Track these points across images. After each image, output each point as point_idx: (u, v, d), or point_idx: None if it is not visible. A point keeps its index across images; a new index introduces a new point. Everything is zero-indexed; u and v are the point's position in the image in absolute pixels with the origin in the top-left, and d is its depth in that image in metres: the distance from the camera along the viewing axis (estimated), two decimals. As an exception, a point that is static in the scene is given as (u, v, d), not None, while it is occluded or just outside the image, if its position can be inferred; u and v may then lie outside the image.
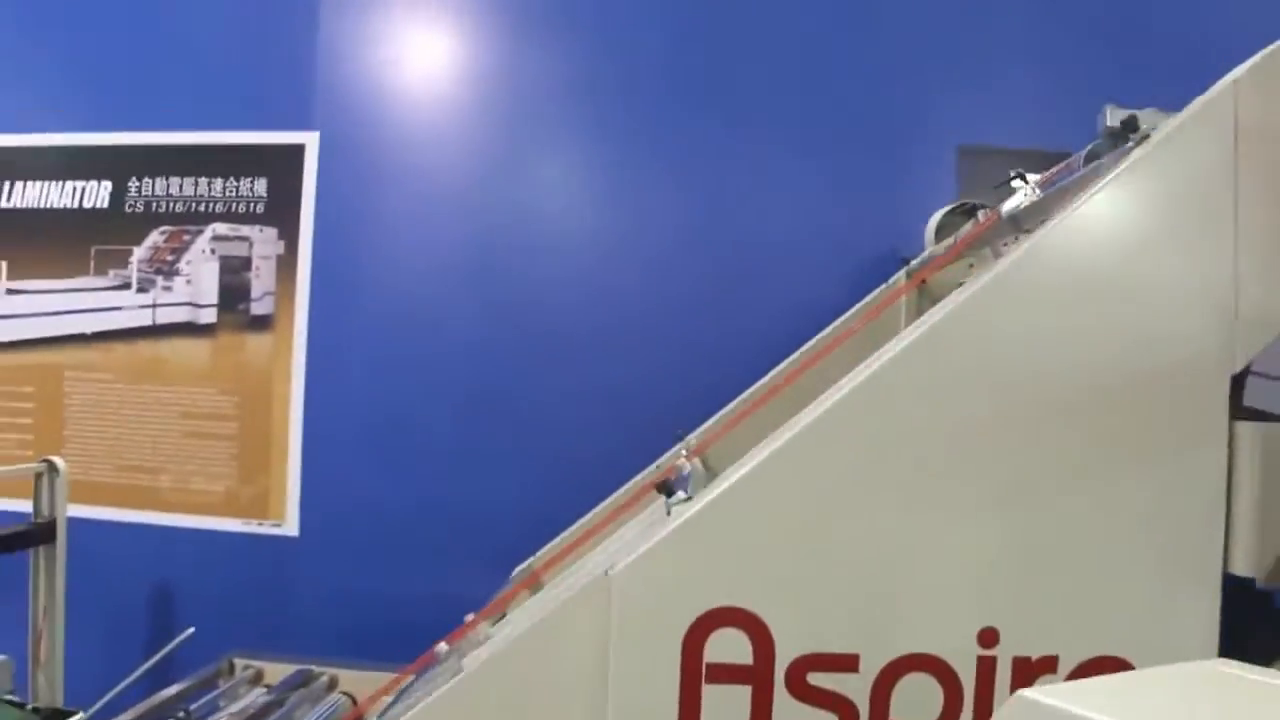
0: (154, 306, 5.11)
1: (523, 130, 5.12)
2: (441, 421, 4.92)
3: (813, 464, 1.93)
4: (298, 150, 5.05)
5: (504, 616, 3.19)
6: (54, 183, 5.18)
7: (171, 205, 5.13)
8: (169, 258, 5.12)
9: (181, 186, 5.13)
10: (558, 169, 5.12)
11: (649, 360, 4.87)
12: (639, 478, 3.80)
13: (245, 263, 5.08)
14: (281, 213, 5.06)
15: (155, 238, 5.14)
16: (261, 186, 5.07)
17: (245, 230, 5.08)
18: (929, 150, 4.86)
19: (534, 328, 4.94)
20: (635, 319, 4.91)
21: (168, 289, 5.11)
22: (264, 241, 5.07)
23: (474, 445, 4.88)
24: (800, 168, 4.94)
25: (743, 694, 1.90)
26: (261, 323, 5.05)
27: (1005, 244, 2.81)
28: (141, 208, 5.15)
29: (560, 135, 5.12)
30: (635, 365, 4.91)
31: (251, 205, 5.07)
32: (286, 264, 5.04)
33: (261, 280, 5.06)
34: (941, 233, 3.88)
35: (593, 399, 4.88)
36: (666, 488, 2.36)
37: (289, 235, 5.04)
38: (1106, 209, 1.91)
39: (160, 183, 5.14)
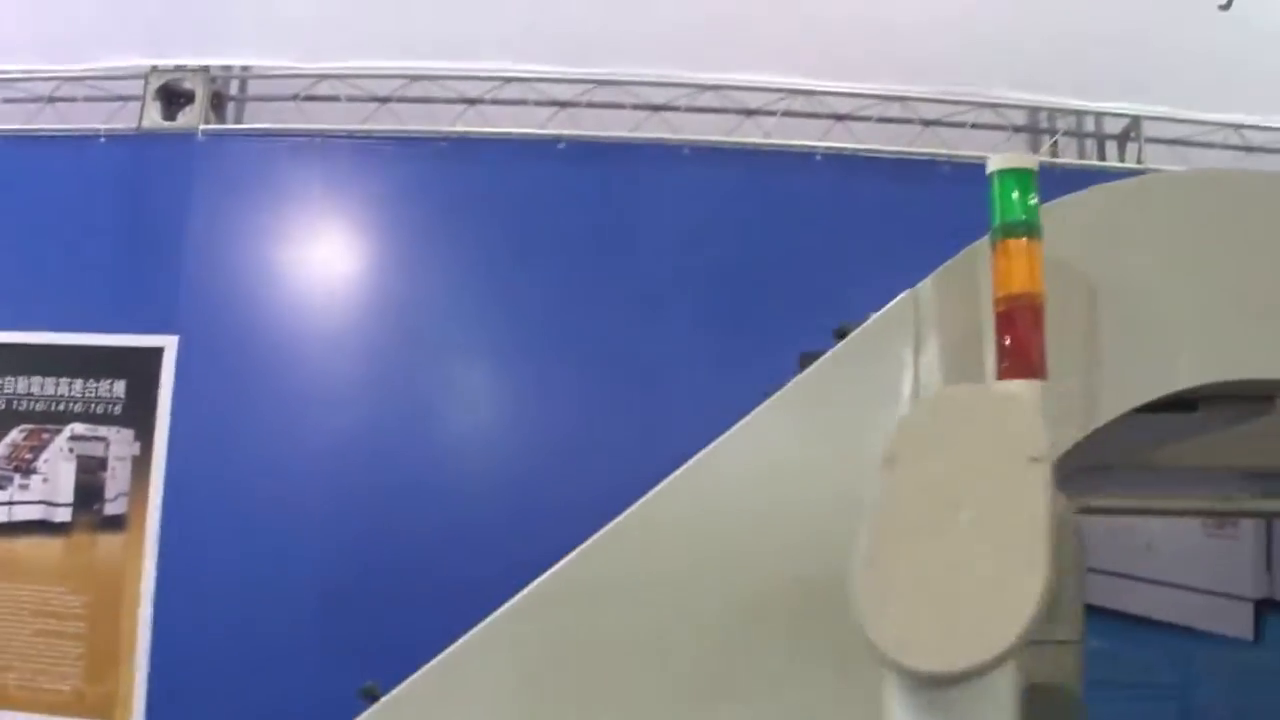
0: (10, 504, 5.20)
1: (389, 336, 5.27)
2: (296, 626, 5.02)
3: (482, 678, 2.02)
4: (156, 353, 5.17)
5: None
6: (-85, 380, 5.29)
7: (32, 404, 5.25)
8: (27, 456, 5.23)
9: (43, 385, 5.24)
10: (420, 375, 5.26)
11: (510, 558, 4.99)
12: None
13: (101, 463, 5.19)
14: (139, 414, 5.17)
15: (15, 435, 5.24)
16: (120, 388, 5.19)
17: (103, 431, 5.19)
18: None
19: (390, 531, 5.06)
20: (497, 519, 5.04)
21: (24, 487, 5.21)
22: (120, 442, 5.18)
23: (329, 649, 4.98)
24: (693, 360, 5.10)
25: None
26: (115, 523, 5.15)
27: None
28: (2, 405, 5.26)
29: (428, 341, 5.27)
30: (493, 564, 5.03)
31: (110, 406, 5.19)
32: (142, 465, 5.15)
33: (116, 481, 5.17)
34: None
35: (456, 600, 5.00)
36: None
37: (145, 437, 5.16)
38: (786, 417, 2.05)
39: (22, 381, 5.26)
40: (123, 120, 5.47)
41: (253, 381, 5.18)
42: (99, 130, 5.40)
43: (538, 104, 5.38)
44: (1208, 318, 2.10)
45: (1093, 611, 5.10)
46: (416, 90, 5.42)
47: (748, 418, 2.07)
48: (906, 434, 1.15)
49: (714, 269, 5.19)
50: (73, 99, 5.55)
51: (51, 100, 5.59)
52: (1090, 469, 3.24)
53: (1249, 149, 5.77)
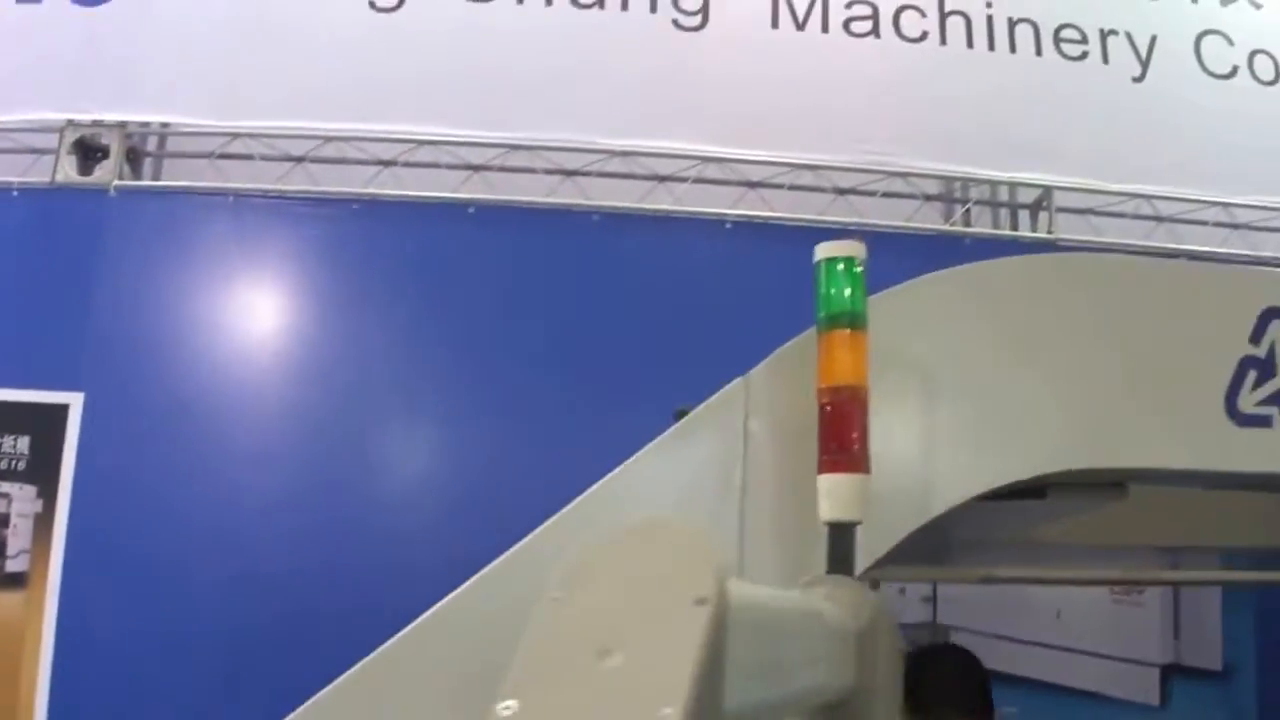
0: (-90, 560, 5.19)
1: (298, 394, 5.30)
2: (198, 685, 5.01)
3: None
4: (61, 410, 5.18)
5: None
6: None
7: (-66, 460, 5.24)
8: (-71, 511, 5.22)
9: (-54, 441, 5.24)
10: (328, 432, 5.28)
11: (418, 607, 5.00)
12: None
13: (3, 519, 5.18)
14: (42, 471, 5.17)
15: (-84, 490, 5.23)
16: (24, 444, 5.19)
17: (6, 487, 5.19)
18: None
19: (293, 586, 5.05)
20: (403, 571, 5.04)
21: (-75, 542, 5.20)
22: (23, 499, 5.18)
23: (231, 708, 4.97)
24: (599, 418, 5.11)
25: None
26: (15, 580, 5.14)
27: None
28: (-96, 459, 5.25)
29: (337, 399, 5.29)
30: (400, 615, 5.03)
31: (13, 462, 5.19)
32: (44, 522, 5.15)
33: (18, 538, 5.16)
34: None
35: (362, 652, 5.00)
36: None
37: (48, 494, 5.15)
38: (623, 490, 2.06)
39: (-75, 436, 5.25)
40: (37, 174, 5.49)
41: (158, 439, 5.18)
42: (11, 184, 5.42)
43: (450, 167, 5.43)
44: (1051, 407, 2.13)
45: (1005, 679, 5.17)
46: (331, 151, 5.47)
47: (592, 489, 2.10)
48: (578, 564, 1.15)
49: (623, 332, 5.24)
50: (-14, 152, 5.57)
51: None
52: (986, 543, 3.29)
53: (1159, 219, 5.88)
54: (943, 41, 5.71)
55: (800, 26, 5.60)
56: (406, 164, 5.44)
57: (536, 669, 1.05)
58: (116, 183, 5.41)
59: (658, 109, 5.45)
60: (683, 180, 5.44)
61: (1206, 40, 6.02)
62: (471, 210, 5.30)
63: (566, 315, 5.21)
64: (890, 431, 2.02)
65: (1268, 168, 5.91)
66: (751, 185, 5.52)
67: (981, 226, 5.88)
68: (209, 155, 5.53)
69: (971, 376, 2.14)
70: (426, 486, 5.23)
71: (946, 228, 5.67)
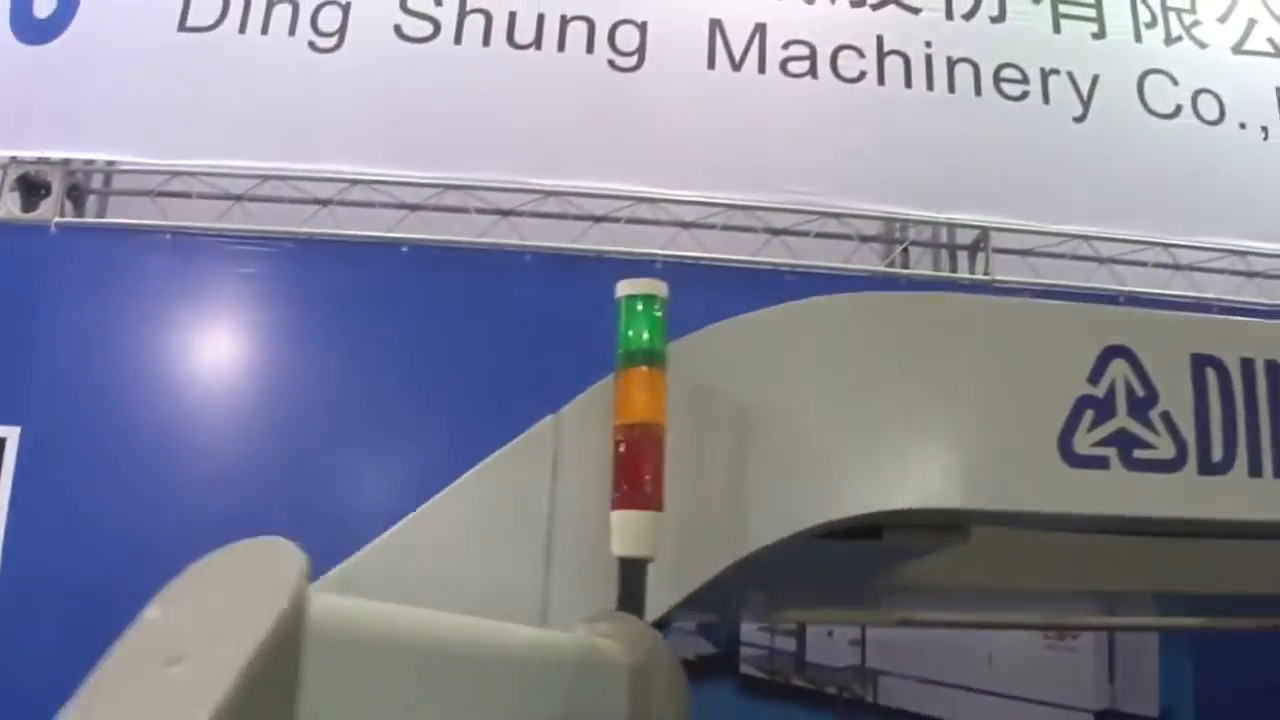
0: None
1: (236, 429, 5.38)
2: None
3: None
4: (-2, 444, 5.27)
5: None
6: None
7: (-128, 494, 5.33)
8: None
9: (-117, 476, 5.32)
10: (266, 467, 5.36)
11: None
12: None
13: (-61, 551, 5.27)
14: (-22, 506, 5.25)
15: None
16: (-40, 479, 5.28)
17: (-59, 519, 5.27)
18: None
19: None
20: None
21: None
22: (-42, 532, 5.26)
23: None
24: None
25: None
26: (-50, 614, 5.21)
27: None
28: None
29: (274, 435, 5.36)
30: None
31: (-51, 495, 5.27)
32: (-21, 556, 5.23)
33: (-47, 570, 5.24)
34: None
35: None
36: None
37: (-16, 528, 5.24)
38: (430, 525, 2.06)
39: None
40: (-20, 211, 5.59)
41: (96, 473, 5.26)
42: (-46, 221, 5.52)
43: (386, 206, 5.51)
44: (873, 447, 2.10)
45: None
46: (269, 190, 5.55)
47: (397, 525, 2.10)
48: (175, 582, 1.16)
49: (559, 369, 5.28)
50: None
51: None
52: (913, 587, 3.30)
53: (1100, 260, 5.91)
54: (880, 81, 5.76)
55: (736, 67, 5.67)
56: (343, 203, 5.51)
57: (107, 679, 1.07)
58: (58, 219, 5.50)
59: (593, 149, 5.51)
60: (616, 220, 5.49)
61: (1150, 80, 6.07)
62: (405, 249, 5.37)
63: (501, 353, 5.28)
64: (704, 469, 2.04)
65: (1210, 208, 5.94)
66: (685, 225, 5.58)
67: (921, 268, 5.92)
68: (150, 193, 5.61)
69: (792, 415, 2.13)
70: (365, 514, 5.29)
71: (883, 269, 5.72)
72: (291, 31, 5.67)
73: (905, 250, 5.84)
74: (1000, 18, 6.04)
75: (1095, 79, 5.98)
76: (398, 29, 5.65)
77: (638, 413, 1.87)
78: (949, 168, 5.72)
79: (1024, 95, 5.91)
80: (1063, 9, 6.15)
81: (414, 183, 5.48)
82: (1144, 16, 6.25)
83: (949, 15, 5.95)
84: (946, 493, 2.09)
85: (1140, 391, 2.16)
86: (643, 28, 5.65)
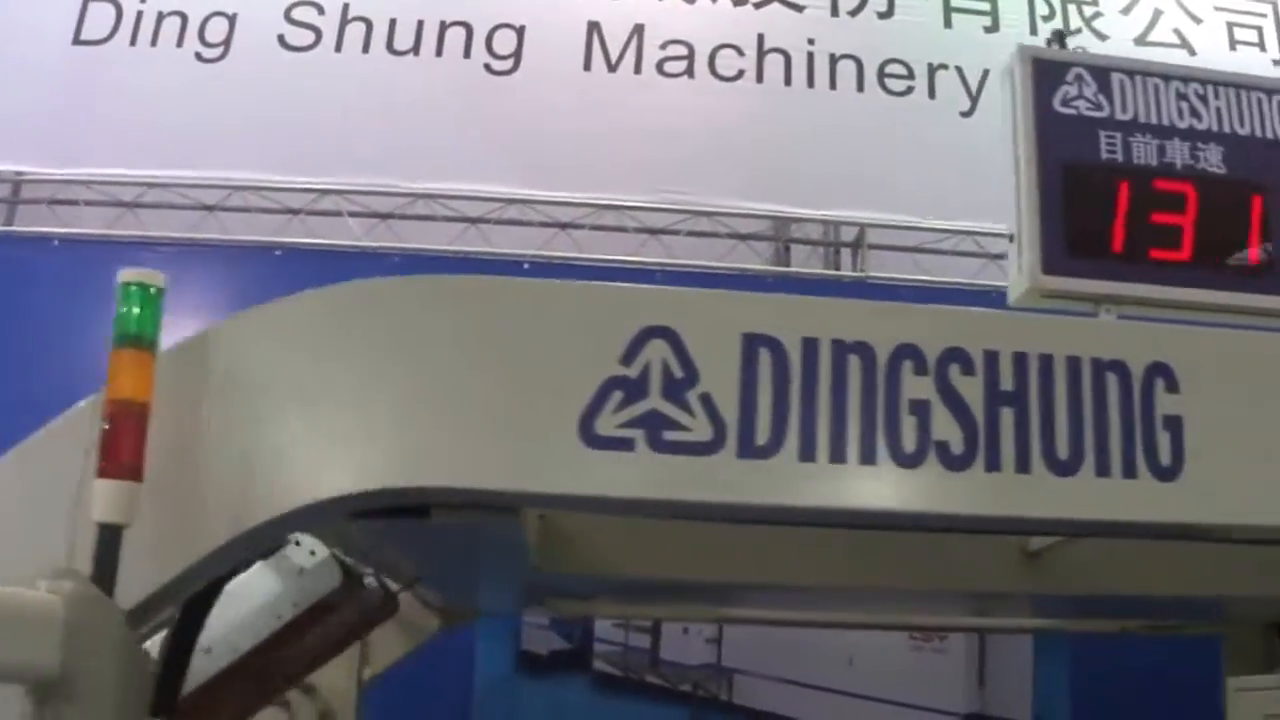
0: None
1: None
2: None
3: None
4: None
5: None
6: None
7: None
8: None
9: None
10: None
11: None
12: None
13: None
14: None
15: None
16: None
17: None
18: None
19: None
20: None
21: None
22: None
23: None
24: None
25: None
26: None
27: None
28: None
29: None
30: None
31: None
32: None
33: None
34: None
35: None
36: None
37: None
38: None
39: None
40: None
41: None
42: None
43: (265, 211, 5.71)
44: (384, 426, 2.09)
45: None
46: (155, 196, 5.78)
47: None
48: None
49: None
50: None
51: None
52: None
53: (989, 256, 5.97)
54: (759, 79, 5.87)
55: (613, 68, 5.81)
56: (225, 208, 5.72)
57: None
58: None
59: (469, 152, 5.68)
60: (487, 222, 5.66)
61: (1043, 73, 6.12)
62: (278, 253, 5.58)
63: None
64: (217, 445, 2.08)
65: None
66: (561, 226, 5.72)
67: (811, 265, 6.03)
68: (45, 201, 5.87)
69: (308, 395, 2.13)
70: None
71: (761, 267, 5.83)
72: (179, 43, 5.91)
73: (787, 248, 5.94)
74: (888, 13, 6.12)
75: (985, 74, 6.02)
76: (281, 38, 5.87)
77: (125, 390, 1.98)
78: (829, 165, 5.81)
79: (908, 91, 5.99)
80: (954, 3, 6.21)
81: (292, 188, 5.67)
82: (1041, 9, 6.31)
83: (834, 12, 6.04)
84: (455, 471, 2.08)
85: (679, 373, 2.12)
86: (520, 31, 5.80)
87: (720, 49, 5.87)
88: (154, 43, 5.94)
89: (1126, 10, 6.44)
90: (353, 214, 5.69)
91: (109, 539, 1.92)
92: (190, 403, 2.11)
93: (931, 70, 6.04)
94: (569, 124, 5.72)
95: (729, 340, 2.16)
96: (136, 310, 2.01)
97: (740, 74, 5.85)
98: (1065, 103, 2.77)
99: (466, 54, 5.78)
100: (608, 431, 2.08)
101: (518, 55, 5.78)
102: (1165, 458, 2.25)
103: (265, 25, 5.89)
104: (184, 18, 5.95)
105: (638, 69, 5.81)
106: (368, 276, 5.37)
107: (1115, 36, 6.32)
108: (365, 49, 5.80)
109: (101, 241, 5.75)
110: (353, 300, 2.26)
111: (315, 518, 2.24)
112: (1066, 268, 2.66)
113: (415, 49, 5.79)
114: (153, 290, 2.03)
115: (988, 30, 6.22)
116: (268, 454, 2.10)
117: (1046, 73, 2.79)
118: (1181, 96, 2.82)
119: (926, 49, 6.08)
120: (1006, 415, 2.22)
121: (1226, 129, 2.81)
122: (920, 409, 2.20)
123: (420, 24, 5.83)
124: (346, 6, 5.92)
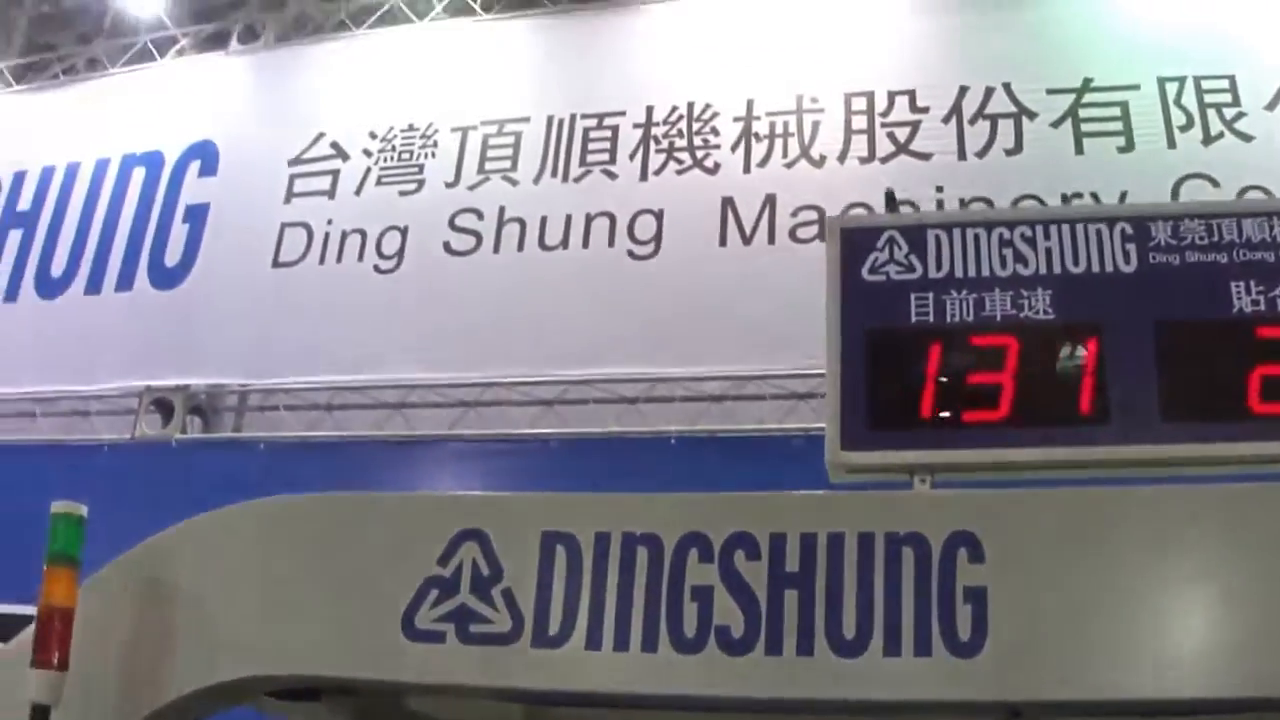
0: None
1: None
2: None
3: None
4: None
5: None
6: None
7: None
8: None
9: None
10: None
11: None
12: None
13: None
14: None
15: None
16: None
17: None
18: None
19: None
20: None
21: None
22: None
23: None
24: None
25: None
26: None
27: None
28: None
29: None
30: None
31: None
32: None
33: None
34: None
35: None
36: None
37: None
38: None
39: None
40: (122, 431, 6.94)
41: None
42: (104, 440, 6.86)
43: (439, 405, 6.48)
44: (250, 620, 2.50)
45: None
46: (348, 398, 6.63)
47: None
48: None
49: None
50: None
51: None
52: None
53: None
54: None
55: (747, 240, 6.32)
56: (405, 405, 6.50)
57: None
58: (178, 436, 6.74)
59: (617, 335, 6.28)
60: (643, 400, 6.23)
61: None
62: (454, 445, 6.32)
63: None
64: (131, 640, 2.54)
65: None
66: (714, 399, 6.23)
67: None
68: (257, 409, 6.81)
69: (192, 599, 2.57)
70: None
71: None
72: (360, 258, 6.77)
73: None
74: (1016, 149, 6.40)
75: (1123, 195, 6.12)
76: (446, 245, 6.64)
77: (55, 598, 2.48)
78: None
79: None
80: (1085, 128, 6.41)
81: (465, 383, 6.39)
82: (1177, 119, 6.38)
83: (961, 155, 6.38)
84: (306, 660, 2.48)
85: (486, 570, 2.43)
86: (659, 215, 6.37)
87: (851, 209, 6.16)
88: (339, 260, 6.81)
89: (1272, 105, 6.44)
90: (516, 403, 6.34)
91: (39, 717, 2.42)
92: (115, 606, 2.61)
93: (1065, 200, 6.22)
94: (708, 300, 6.20)
95: (530, 538, 2.45)
96: (64, 534, 2.53)
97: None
98: (874, 269, 2.75)
99: (610, 243, 6.36)
100: (424, 625, 2.41)
101: (658, 239, 6.33)
102: (964, 633, 2.20)
103: (433, 235, 6.68)
104: (364, 234, 6.80)
105: (771, 239, 6.23)
106: (532, 461, 6.02)
107: (1261, 135, 6.34)
108: (520, 247, 6.47)
109: (301, 444, 6.60)
110: (226, 522, 2.72)
111: (207, 702, 2.63)
112: (869, 440, 2.59)
113: (564, 242, 6.42)
114: (76, 518, 2.55)
115: (1121, 150, 6.36)
116: (164, 649, 2.56)
117: (855, 242, 2.79)
118: (1005, 243, 2.72)
119: (1058, 179, 6.25)
120: (790, 597, 2.28)
121: (1057, 269, 2.68)
122: (702, 595, 2.32)
123: (568, 218, 6.46)
124: (503, 209, 6.64)
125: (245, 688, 2.59)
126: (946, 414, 2.59)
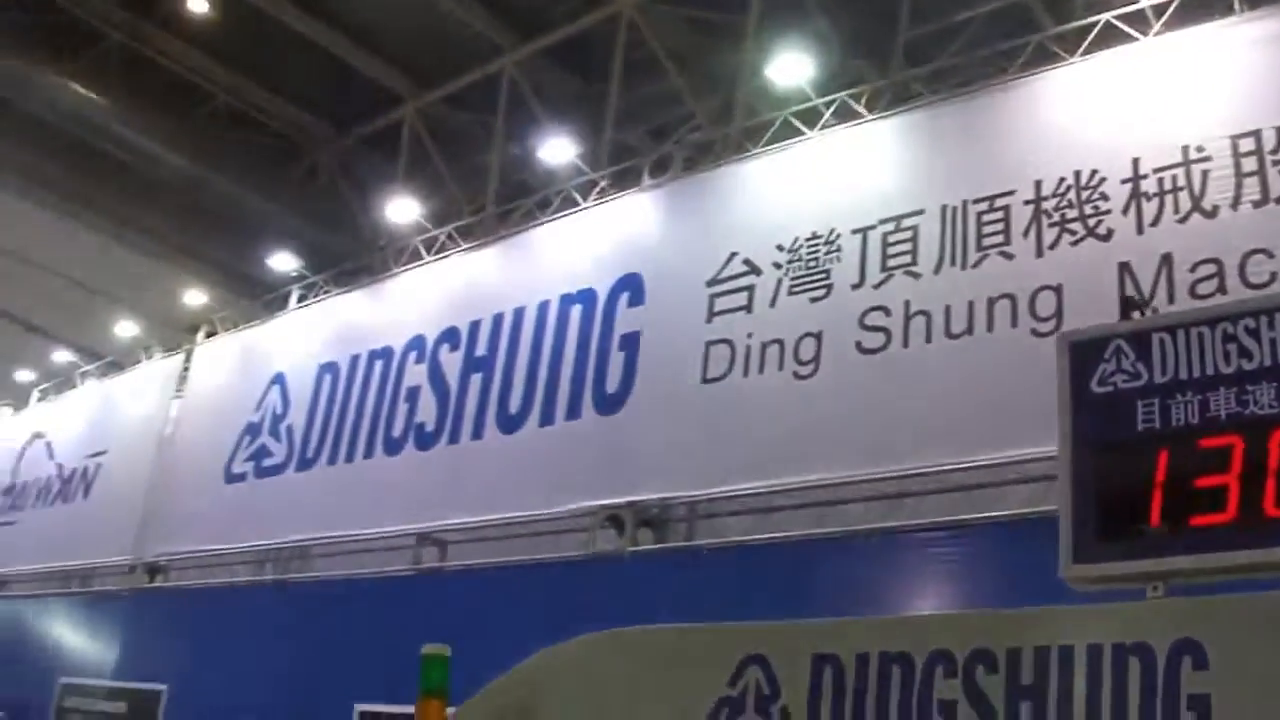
0: None
1: None
2: None
3: None
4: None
5: None
6: None
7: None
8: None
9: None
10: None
11: None
12: None
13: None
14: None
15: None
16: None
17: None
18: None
19: None
20: None
21: None
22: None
23: None
24: None
25: None
26: None
27: None
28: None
29: None
30: None
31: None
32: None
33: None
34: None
35: None
36: None
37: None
38: None
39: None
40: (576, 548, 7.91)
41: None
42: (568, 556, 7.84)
43: (876, 499, 6.91)
44: None
45: None
46: (778, 501, 7.20)
47: None
48: None
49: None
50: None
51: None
52: None
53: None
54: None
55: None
56: (830, 502, 7.01)
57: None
58: (630, 549, 7.53)
59: (1037, 418, 6.48)
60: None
61: None
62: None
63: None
64: None
65: None
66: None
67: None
68: (704, 517, 7.53)
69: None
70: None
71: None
72: (780, 367, 7.38)
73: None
74: None
75: None
76: (858, 344, 7.12)
77: None
78: None
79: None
80: None
81: (890, 476, 6.80)
82: None
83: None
84: None
85: (766, 690, 2.78)
86: (1058, 290, 6.53)
87: (1249, 255, 5.99)
88: (761, 370, 7.44)
89: None
90: (935, 491, 6.68)
91: None
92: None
93: None
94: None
95: (802, 662, 2.79)
96: (433, 672, 3.16)
97: (1273, 277, 5.92)
98: (1102, 381, 2.78)
99: (1013, 323, 6.59)
100: None
101: (1059, 315, 6.47)
102: None
103: (844, 336, 7.17)
104: (781, 344, 7.40)
105: (1170, 298, 6.14)
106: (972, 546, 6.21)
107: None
108: (928, 339, 6.84)
109: (738, 548, 7.22)
110: (577, 653, 3.26)
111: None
112: (1099, 553, 2.66)
113: (969, 328, 6.72)
114: (443, 659, 3.17)
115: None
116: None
117: (1083, 355, 2.84)
118: (1229, 338, 2.69)
119: None
120: (1025, 709, 2.46)
121: (1283, 358, 2.63)
122: (947, 710, 2.56)
123: (970, 305, 6.76)
124: (908, 303, 7.03)
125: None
126: (1174, 520, 2.62)
